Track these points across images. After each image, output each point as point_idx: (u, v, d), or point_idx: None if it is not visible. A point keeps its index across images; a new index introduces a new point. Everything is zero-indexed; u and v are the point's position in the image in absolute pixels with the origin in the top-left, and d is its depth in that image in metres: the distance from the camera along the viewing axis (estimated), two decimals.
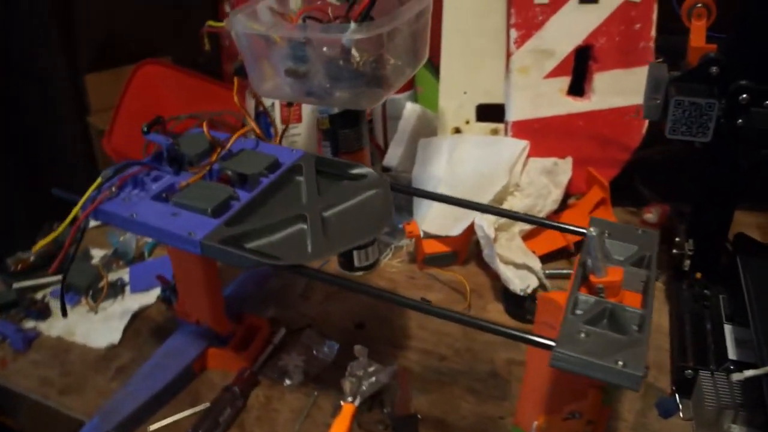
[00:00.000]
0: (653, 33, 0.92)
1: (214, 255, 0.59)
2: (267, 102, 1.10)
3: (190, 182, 0.67)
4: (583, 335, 0.48)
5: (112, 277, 0.97)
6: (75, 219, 0.66)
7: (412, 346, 0.82)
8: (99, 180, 0.66)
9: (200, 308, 0.80)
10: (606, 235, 0.59)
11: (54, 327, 0.90)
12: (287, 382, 0.78)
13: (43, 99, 1.11)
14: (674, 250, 0.81)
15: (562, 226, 0.63)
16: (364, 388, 0.75)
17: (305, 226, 0.61)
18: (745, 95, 0.65)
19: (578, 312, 0.52)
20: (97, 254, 1.03)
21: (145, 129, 0.71)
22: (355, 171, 0.69)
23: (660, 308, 0.84)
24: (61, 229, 0.66)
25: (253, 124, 0.82)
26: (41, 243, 0.69)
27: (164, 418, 0.74)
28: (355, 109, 0.79)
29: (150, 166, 0.71)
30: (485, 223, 0.86)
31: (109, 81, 1.11)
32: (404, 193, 0.70)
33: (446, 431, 0.71)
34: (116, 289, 0.95)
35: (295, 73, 0.73)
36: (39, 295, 0.96)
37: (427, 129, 1.08)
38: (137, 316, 0.91)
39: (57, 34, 1.06)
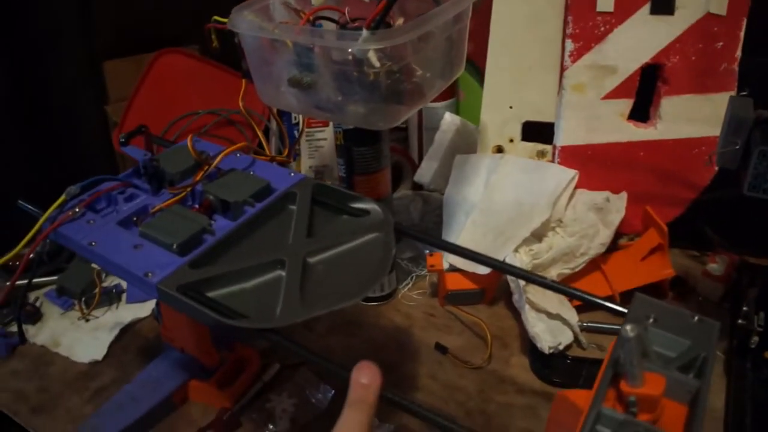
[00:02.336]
0: (738, 54, 0.78)
1: (172, 304, 0.50)
2: None
3: (164, 206, 0.58)
4: None
5: (110, 283, 0.90)
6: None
7: (418, 400, 0.72)
8: (63, 197, 0.58)
9: (185, 337, 0.71)
10: (651, 321, 0.47)
11: (41, 333, 0.84)
12: (270, 427, 0.69)
13: (62, 86, 1.04)
14: (740, 321, 0.68)
15: (606, 304, 0.51)
16: None
17: (284, 274, 0.51)
18: None
19: (601, 429, 0.40)
20: None
21: (123, 140, 0.62)
22: (358, 205, 0.59)
23: (716, 382, 0.70)
24: (19, 247, 0.59)
25: (260, 135, 0.72)
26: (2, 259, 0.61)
27: None
28: (370, 128, 0.68)
29: (127, 183, 0.62)
30: (517, 264, 0.74)
31: (129, 69, 1.03)
32: (411, 238, 0.59)
33: None
34: (111, 298, 0.88)
35: (298, 84, 0.63)
36: (32, 297, 0.89)
37: (465, 144, 0.97)
38: (128, 330, 0.84)
39: (76, 15, 0.98)
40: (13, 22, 0.97)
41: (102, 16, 1.02)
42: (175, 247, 0.52)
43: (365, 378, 0.42)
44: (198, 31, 1.13)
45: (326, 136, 1.01)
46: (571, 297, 0.53)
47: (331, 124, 0.99)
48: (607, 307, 0.50)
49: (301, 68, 0.63)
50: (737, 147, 0.58)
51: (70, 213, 0.57)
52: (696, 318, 0.47)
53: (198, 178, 0.61)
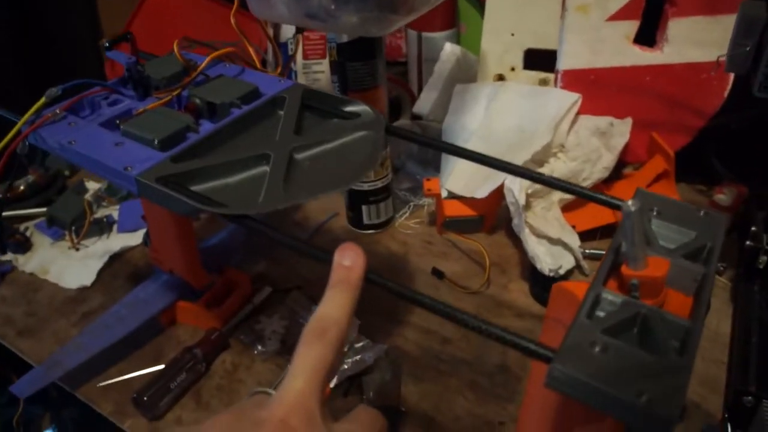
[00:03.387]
0: None
1: (151, 196, 0.47)
2: (289, 33, 0.97)
3: (148, 108, 0.56)
4: (597, 349, 0.34)
5: (102, 213, 0.88)
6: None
7: (412, 323, 0.70)
8: (42, 100, 0.56)
9: (173, 257, 0.69)
10: (654, 213, 0.45)
11: (30, 262, 0.82)
12: (259, 348, 0.67)
13: (58, 21, 1.02)
14: (748, 242, 0.65)
15: (602, 197, 0.48)
16: (345, 366, 0.64)
17: (268, 169, 0.49)
18: None
19: (599, 314, 0.38)
20: (92, 187, 0.94)
21: (107, 44, 0.59)
22: (349, 108, 0.56)
23: (722, 310, 0.69)
24: None
25: (250, 49, 0.69)
26: None
27: (120, 374, 0.66)
28: (364, 36, 0.66)
29: (111, 89, 0.59)
30: (516, 187, 0.72)
31: (123, 4, 1.00)
32: (409, 140, 0.56)
33: None
34: (102, 227, 0.86)
35: None
36: (22, 227, 0.88)
37: (466, 74, 0.94)
38: (118, 258, 0.82)
39: None
40: None
41: None
42: (156, 142, 0.50)
43: (348, 260, 0.40)
44: None
45: (323, 68, 0.98)
46: (570, 193, 0.50)
47: (327, 56, 0.96)
48: (607, 201, 0.48)
49: None
50: (748, 48, 0.55)
51: (50, 115, 0.55)
52: (702, 212, 0.45)
53: (185, 81, 0.58)
